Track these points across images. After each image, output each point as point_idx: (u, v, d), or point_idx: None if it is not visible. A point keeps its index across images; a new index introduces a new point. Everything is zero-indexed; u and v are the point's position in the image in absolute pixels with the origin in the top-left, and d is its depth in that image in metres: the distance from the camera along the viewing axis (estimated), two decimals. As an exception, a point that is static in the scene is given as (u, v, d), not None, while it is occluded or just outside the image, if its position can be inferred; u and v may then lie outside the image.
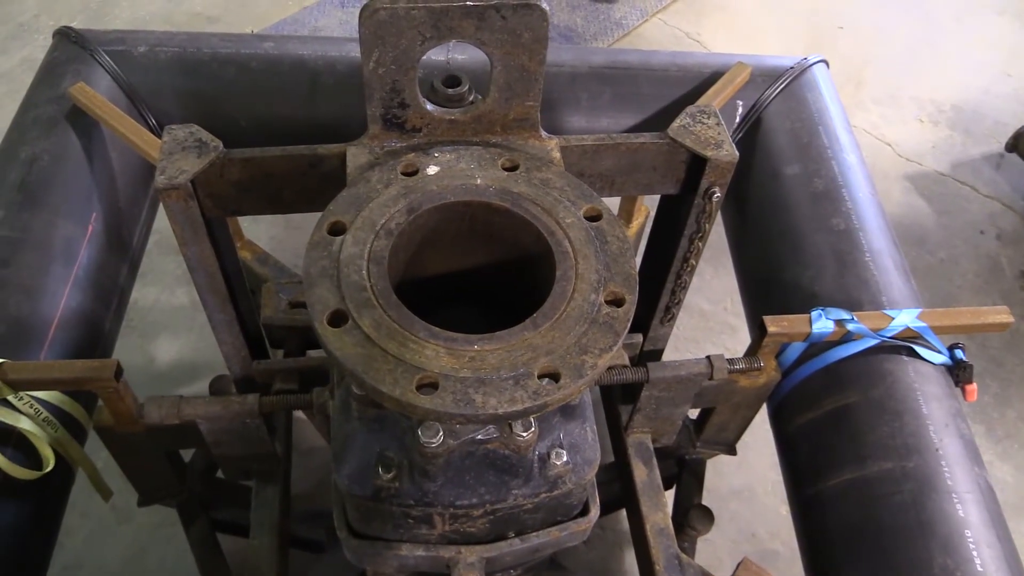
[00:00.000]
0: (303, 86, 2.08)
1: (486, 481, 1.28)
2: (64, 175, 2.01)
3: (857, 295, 1.91)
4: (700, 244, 1.51)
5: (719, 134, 1.37)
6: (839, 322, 1.79)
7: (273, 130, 2.16)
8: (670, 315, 1.70)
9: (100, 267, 2.04)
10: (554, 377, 1.03)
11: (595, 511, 1.49)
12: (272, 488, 1.84)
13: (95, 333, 2.01)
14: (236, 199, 1.36)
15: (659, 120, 2.33)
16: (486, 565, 1.46)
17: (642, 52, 2.40)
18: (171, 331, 3.08)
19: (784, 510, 2.85)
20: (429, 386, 1.01)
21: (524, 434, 1.14)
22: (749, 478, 2.91)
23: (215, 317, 1.51)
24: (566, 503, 1.43)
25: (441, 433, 1.12)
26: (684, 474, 2.38)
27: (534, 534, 1.46)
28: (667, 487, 2.35)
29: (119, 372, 1.65)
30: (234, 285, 1.59)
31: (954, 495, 1.58)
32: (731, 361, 1.81)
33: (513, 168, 1.25)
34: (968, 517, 1.55)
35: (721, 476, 2.88)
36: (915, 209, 3.68)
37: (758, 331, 1.82)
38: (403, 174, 1.23)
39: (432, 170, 1.23)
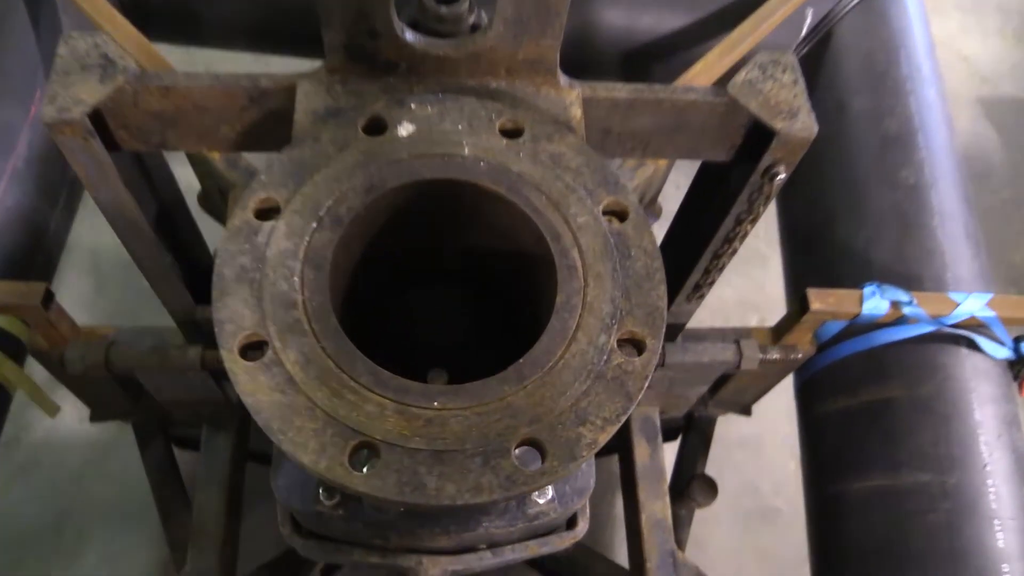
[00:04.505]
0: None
1: (452, 514, 1.05)
2: (2, 43, 1.70)
3: (917, 268, 1.63)
4: (748, 227, 1.19)
5: (795, 97, 1.03)
6: (895, 304, 1.52)
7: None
8: (699, 294, 1.41)
9: (44, 157, 1.76)
10: (537, 453, 0.77)
11: (583, 525, 1.27)
12: (223, 436, 1.62)
13: (36, 235, 1.75)
14: (160, 132, 1.05)
15: (716, 21, 1.95)
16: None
17: (702, -71, 1.97)
18: (157, 311, 2.81)
19: (793, 465, 2.66)
20: (367, 452, 0.75)
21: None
22: (759, 427, 2.68)
23: (144, 265, 1.24)
24: (550, 525, 1.21)
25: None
26: (690, 432, 2.17)
27: (509, 548, 1.24)
28: (669, 439, 2.14)
29: (48, 298, 1.40)
30: (173, 222, 1.31)
31: (996, 521, 1.39)
32: (764, 349, 1.54)
33: (515, 133, 0.93)
34: (1008, 549, 1.37)
35: (729, 422, 2.65)
36: (982, 138, 3.26)
37: (798, 305, 1.55)
38: (365, 132, 0.91)
39: (405, 130, 0.91)
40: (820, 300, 1.51)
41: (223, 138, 1.07)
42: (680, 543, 2.03)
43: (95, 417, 1.91)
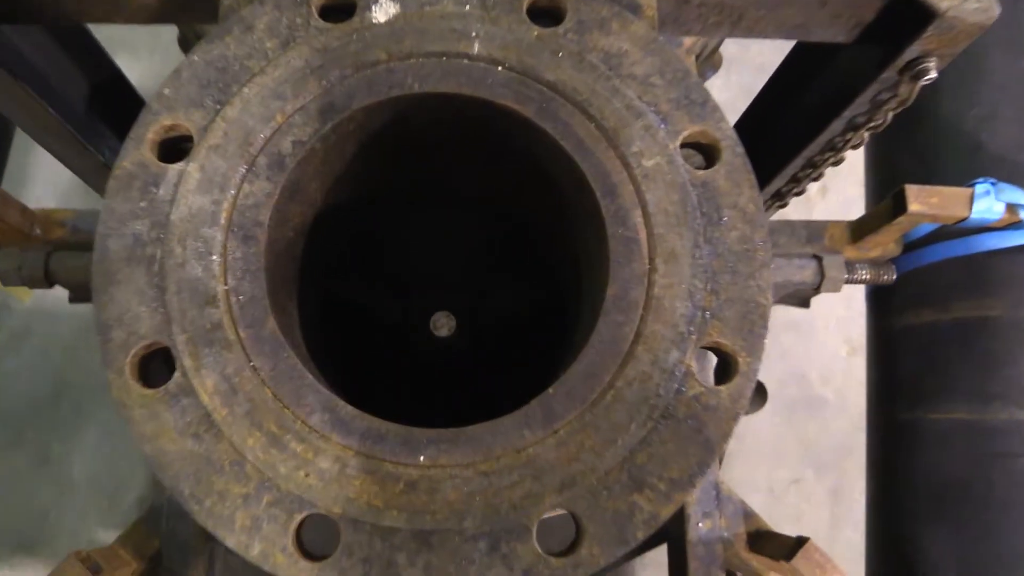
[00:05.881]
0: None
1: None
2: None
3: (1042, 156, 1.31)
4: (865, 135, 0.88)
5: (973, -42, 0.69)
6: (1012, 207, 1.23)
7: None
8: (781, 203, 1.11)
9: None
10: (572, 530, 0.52)
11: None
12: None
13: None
14: (53, 1, 0.74)
15: None
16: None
17: None
18: (129, 50, 2.48)
19: (844, 352, 2.43)
20: (317, 526, 0.51)
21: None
22: (811, 309, 2.44)
23: (72, 166, 0.97)
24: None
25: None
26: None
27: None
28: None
29: (-19, 187, 1.15)
30: (111, 104, 1.02)
31: (1102, 475, 1.17)
32: (851, 266, 1.26)
33: (552, 16, 0.62)
34: (1112, 509, 1.16)
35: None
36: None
37: (892, 203, 1.26)
38: (323, 16, 0.60)
39: (383, 12, 0.60)
40: (920, 200, 1.22)
41: (138, 7, 0.76)
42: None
43: (75, 299, 1.70)
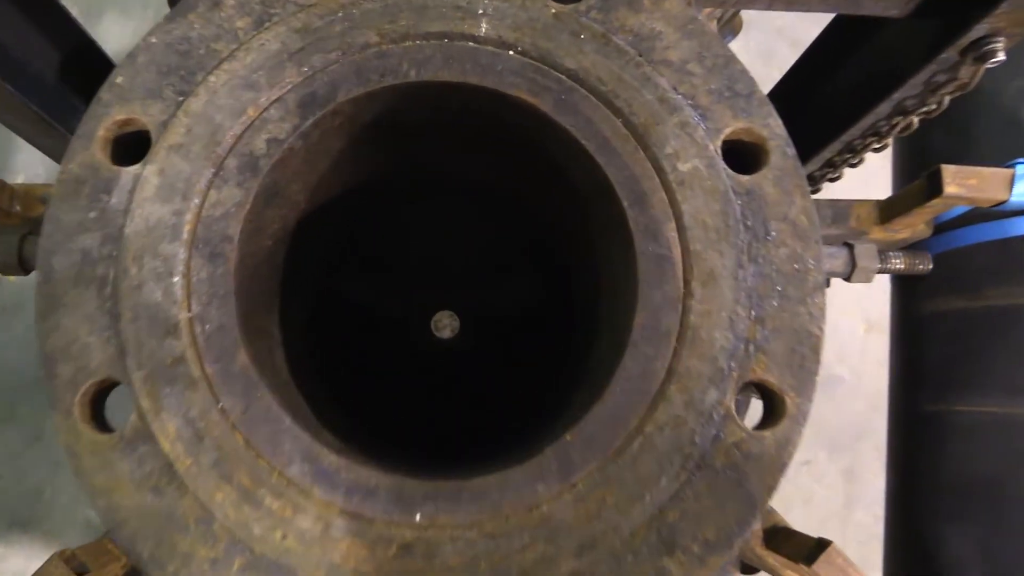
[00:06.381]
0: None
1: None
2: None
3: (1089, 132, 1.22)
4: (915, 122, 0.79)
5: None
6: None
7: None
8: (814, 187, 1.03)
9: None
10: None
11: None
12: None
13: None
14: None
15: None
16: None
17: None
18: (119, 8, 2.37)
19: (862, 331, 2.35)
20: None
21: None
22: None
23: (41, 145, 0.89)
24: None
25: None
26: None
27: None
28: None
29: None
30: (85, 74, 0.93)
31: None
32: (883, 255, 1.18)
33: None
34: None
35: (794, 277, 2.34)
36: None
37: (926, 183, 1.17)
38: None
39: None
40: (958, 182, 1.13)
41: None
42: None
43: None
